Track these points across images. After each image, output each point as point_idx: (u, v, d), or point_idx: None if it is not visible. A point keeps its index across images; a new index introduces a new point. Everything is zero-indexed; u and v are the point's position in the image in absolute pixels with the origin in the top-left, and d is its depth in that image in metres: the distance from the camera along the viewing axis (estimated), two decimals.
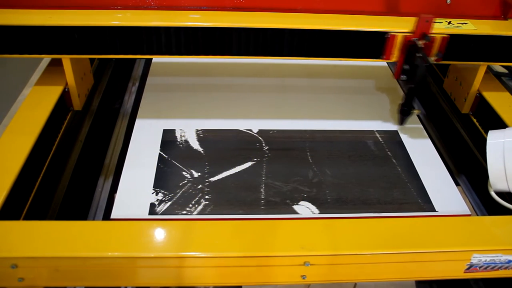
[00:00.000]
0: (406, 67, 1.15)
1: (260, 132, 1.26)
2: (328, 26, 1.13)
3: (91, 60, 1.44)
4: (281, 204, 1.05)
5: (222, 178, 1.11)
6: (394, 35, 1.13)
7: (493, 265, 0.89)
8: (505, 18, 1.23)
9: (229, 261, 0.85)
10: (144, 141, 1.20)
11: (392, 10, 1.21)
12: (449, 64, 1.44)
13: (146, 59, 1.67)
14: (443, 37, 1.14)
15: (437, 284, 1.16)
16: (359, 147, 1.23)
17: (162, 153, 1.17)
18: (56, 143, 1.17)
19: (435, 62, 1.17)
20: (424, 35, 1.10)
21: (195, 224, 0.91)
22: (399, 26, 1.14)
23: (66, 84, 1.23)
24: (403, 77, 1.17)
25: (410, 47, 1.13)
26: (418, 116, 1.37)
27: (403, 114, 1.26)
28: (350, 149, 1.22)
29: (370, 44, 1.15)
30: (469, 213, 1.05)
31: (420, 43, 1.11)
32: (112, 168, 1.23)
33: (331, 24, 1.13)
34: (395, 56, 1.17)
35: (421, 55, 1.09)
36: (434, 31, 1.13)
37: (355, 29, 1.13)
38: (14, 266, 0.81)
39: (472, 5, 1.22)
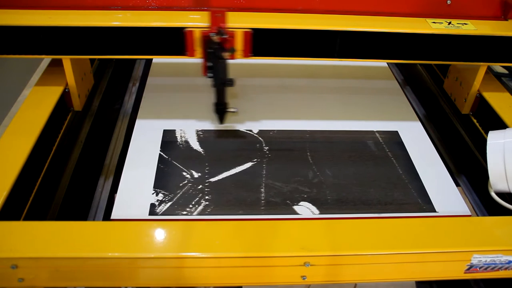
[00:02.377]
0: (210, 64, 1.11)
1: (260, 132, 1.26)
2: (329, 27, 1.12)
3: (91, 60, 1.44)
4: (281, 204, 1.04)
5: (222, 179, 1.11)
6: (191, 31, 1.09)
7: (493, 265, 0.89)
8: (505, 19, 1.23)
9: (229, 261, 0.85)
10: (144, 142, 1.20)
11: (393, 11, 1.20)
12: (450, 65, 1.44)
13: (146, 59, 1.67)
14: (245, 31, 1.10)
15: (437, 285, 1.16)
16: (359, 148, 1.23)
17: (162, 153, 1.17)
18: (56, 143, 1.17)
19: (229, 58, 1.10)
20: (219, 30, 1.05)
21: (195, 224, 0.91)
22: (198, 21, 1.09)
23: (66, 84, 1.23)
24: (209, 75, 1.12)
25: (207, 43, 1.08)
26: (418, 115, 1.37)
27: (219, 113, 1.22)
28: (350, 150, 1.22)
29: (171, 40, 1.11)
30: (469, 213, 1.05)
31: (216, 38, 1.06)
32: (112, 168, 1.23)
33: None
34: (198, 53, 1.12)
35: (213, 50, 1.05)
36: (234, 25, 1.09)
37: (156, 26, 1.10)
38: (14, 266, 0.81)
39: (472, 5, 1.22)
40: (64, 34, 1.09)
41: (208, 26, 1.08)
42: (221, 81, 1.12)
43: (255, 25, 1.10)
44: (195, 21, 1.10)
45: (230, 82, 1.13)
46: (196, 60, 1.55)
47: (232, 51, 1.09)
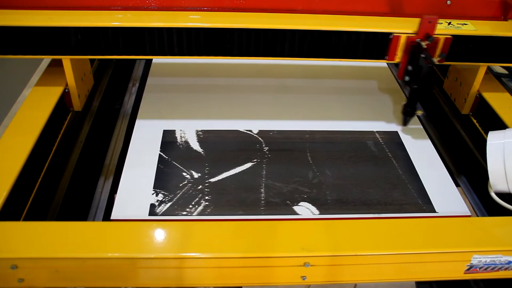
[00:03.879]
0: (410, 68, 1.15)
1: (260, 132, 1.26)
2: (331, 27, 1.13)
3: (91, 60, 1.44)
4: (281, 204, 1.04)
5: (222, 179, 1.11)
6: (397, 36, 1.13)
7: (493, 266, 0.89)
8: (505, 19, 1.23)
9: (229, 262, 0.85)
10: (144, 142, 1.20)
11: (392, 11, 1.21)
12: (449, 65, 1.44)
13: (146, 59, 1.67)
14: (446, 37, 1.14)
15: (437, 285, 1.16)
16: (359, 148, 1.23)
17: (162, 153, 1.17)
18: (56, 143, 1.17)
19: (438, 63, 1.16)
20: (428, 36, 1.10)
21: (195, 225, 0.91)
22: (403, 27, 1.14)
23: (66, 84, 1.23)
24: (407, 78, 1.17)
25: (413, 48, 1.13)
26: (418, 116, 1.37)
27: (406, 115, 1.25)
28: (350, 150, 1.22)
29: (374, 45, 1.15)
30: (469, 214, 1.05)
31: (424, 44, 1.10)
32: (112, 168, 1.23)
33: (334, 25, 1.13)
34: (398, 57, 1.16)
35: (424, 56, 1.09)
36: (437, 32, 1.12)
37: (358, 30, 1.13)
38: (14, 266, 0.81)
39: (472, 6, 1.22)
40: (64, 35, 1.09)
41: (413, 32, 1.13)
42: (421, 85, 1.14)
43: (456, 32, 1.15)
44: (399, 28, 1.14)
45: (430, 87, 1.15)
46: (196, 60, 1.56)
47: (442, 56, 1.14)
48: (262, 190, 1.08)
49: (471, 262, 0.88)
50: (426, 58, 1.08)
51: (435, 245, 0.87)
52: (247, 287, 1.03)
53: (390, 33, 1.13)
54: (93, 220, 1.09)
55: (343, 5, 1.19)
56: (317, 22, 1.15)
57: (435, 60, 1.14)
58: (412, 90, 1.18)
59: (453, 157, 1.34)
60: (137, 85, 1.56)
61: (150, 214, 1.00)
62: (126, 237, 0.85)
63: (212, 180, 1.10)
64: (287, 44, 1.14)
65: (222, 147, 1.20)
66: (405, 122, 1.27)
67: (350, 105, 1.39)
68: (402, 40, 1.14)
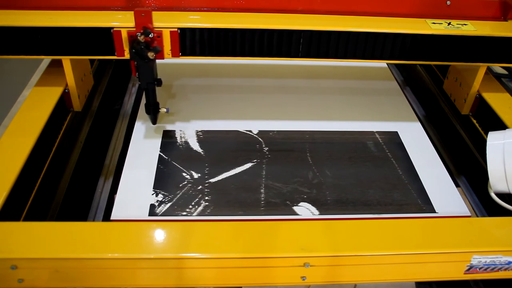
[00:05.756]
0: (136, 64, 1.09)
1: (260, 133, 1.26)
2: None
3: (91, 61, 1.44)
4: (281, 205, 1.05)
5: (222, 179, 1.11)
6: (118, 31, 1.07)
7: (493, 266, 0.89)
8: (505, 19, 1.23)
9: (229, 262, 0.85)
10: (144, 142, 1.20)
11: (392, 11, 1.21)
12: (449, 65, 1.44)
13: None
14: (172, 31, 1.09)
15: (437, 285, 1.16)
16: (359, 148, 1.23)
17: (162, 154, 1.17)
18: (56, 144, 1.17)
19: (152, 58, 1.08)
20: (145, 30, 1.04)
21: (195, 225, 0.91)
22: (126, 21, 1.08)
23: (66, 85, 1.23)
24: (136, 75, 1.12)
25: (132, 43, 1.07)
26: (417, 116, 1.37)
27: (152, 114, 1.21)
28: (350, 150, 1.22)
29: (100, 42, 1.11)
30: (469, 214, 1.05)
31: (142, 38, 1.04)
32: (112, 169, 1.23)
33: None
34: (127, 53, 1.10)
35: (135, 50, 1.04)
36: (161, 24, 1.07)
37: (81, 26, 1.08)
38: (14, 267, 0.81)
39: (472, 6, 1.22)
40: (64, 35, 1.09)
41: (132, 26, 1.06)
42: (147, 81, 1.11)
43: (181, 24, 1.09)
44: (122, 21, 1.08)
45: (158, 83, 1.12)
46: (196, 61, 1.56)
47: (156, 51, 1.07)
48: (262, 190, 1.08)
49: (471, 262, 0.88)
50: (139, 53, 1.04)
51: (435, 245, 0.87)
52: (247, 287, 1.02)
53: (112, 28, 1.07)
54: (93, 220, 1.09)
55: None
56: (316, 22, 1.15)
57: (149, 54, 1.06)
58: (142, 86, 1.14)
59: (453, 157, 1.34)
60: (137, 85, 1.56)
61: (150, 215, 1.00)
62: (126, 237, 0.85)
63: (212, 180, 1.10)
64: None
65: (222, 147, 1.20)
66: (154, 121, 1.24)
67: (350, 105, 1.39)
68: (124, 34, 1.07)
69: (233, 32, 1.12)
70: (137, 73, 1.11)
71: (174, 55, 1.13)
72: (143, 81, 1.12)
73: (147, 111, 1.21)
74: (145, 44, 1.06)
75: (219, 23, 1.11)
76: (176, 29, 1.09)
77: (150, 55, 1.06)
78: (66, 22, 1.08)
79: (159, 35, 1.08)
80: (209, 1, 1.16)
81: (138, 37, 1.04)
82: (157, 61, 1.56)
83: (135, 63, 1.09)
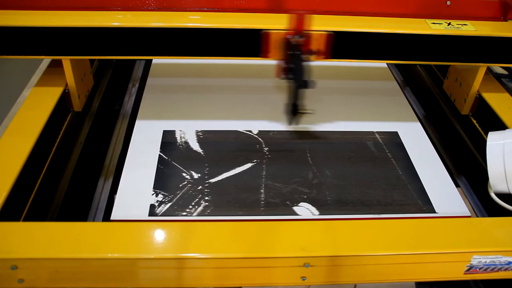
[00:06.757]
0: (287, 66, 1.12)
1: (260, 133, 1.26)
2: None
3: (91, 61, 1.44)
4: (281, 205, 1.04)
5: (222, 180, 1.11)
6: (268, 33, 1.10)
7: (493, 266, 0.89)
8: (505, 19, 1.23)
9: (229, 262, 0.85)
10: (144, 142, 1.20)
11: (392, 11, 1.21)
12: (449, 65, 1.44)
13: (146, 60, 1.67)
14: (323, 34, 1.11)
15: (437, 286, 1.15)
16: (359, 148, 1.23)
17: (162, 154, 1.17)
18: (56, 144, 1.17)
19: (313, 60, 1.11)
20: (299, 32, 1.06)
21: (195, 225, 0.91)
22: (275, 24, 1.10)
23: (66, 85, 1.23)
24: (284, 76, 1.13)
25: (286, 45, 1.09)
26: (417, 116, 1.37)
27: (292, 114, 1.22)
28: (350, 150, 1.22)
29: (247, 42, 1.13)
30: (469, 214, 1.05)
31: (295, 40, 1.07)
32: (112, 169, 1.23)
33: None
34: (273, 55, 1.13)
35: (296, 52, 1.06)
36: (319, 28, 1.10)
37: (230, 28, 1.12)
38: (14, 267, 0.81)
39: (471, 6, 1.22)
40: (64, 35, 1.09)
41: (286, 29, 1.08)
42: (301, 83, 1.12)
43: (335, 28, 1.12)
44: (271, 25, 1.11)
45: (311, 84, 1.13)
46: (196, 61, 1.55)
47: (316, 53, 1.10)
48: (262, 190, 1.08)
49: (471, 262, 0.88)
50: (299, 55, 1.06)
51: (435, 245, 0.87)
52: (247, 287, 1.02)
53: (261, 30, 1.10)
54: (93, 220, 1.09)
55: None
56: (316, 22, 1.14)
57: (310, 57, 1.10)
58: (293, 88, 1.16)
59: (453, 158, 1.34)
60: (137, 85, 1.56)
61: (150, 215, 1.00)
62: (126, 237, 0.85)
63: (212, 180, 1.10)
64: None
65: (222, 147, 1.20)
66: (290, 121, 1.24)
67: (350, 106, 1.39)
68: (274, 36, 1.10)
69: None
70: (287, 75, 1.12)
71: (326, 57, 1.15)
72: (297, 82, 1.12)
73: (289, 112, 1.21)
74: (299, 46, 1.07)
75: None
76: (331, 32, 1.11)
77: (307, 57, 1.08)
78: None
79: (311, 38, 1.09)
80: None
81: (293, 39, 1.06)
82: (157, 61, 1.58)
83: (288, 65, 1.11)
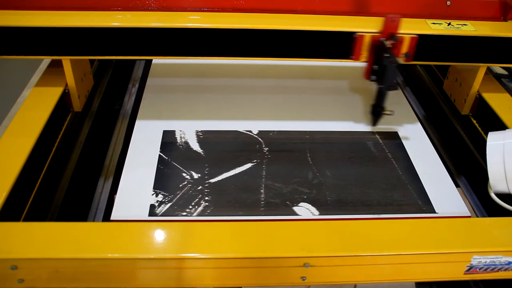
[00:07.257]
0: (376, 67, 1.14)
1: (260, 133, 1.26)
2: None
3: (91, 61, 1.44)
4: (281, 205, 1.05)
5: (222, 180, 1.11)
6: (361, 35, 1.12)
7: (493, 266, 0.89)
8: (505, 20, 1.23)
9: (228, 262, 0.85)
10: (144, 142, 1.20)
11: (392, 11, 1.20)
12: (449, 66, 1.44)
13: (146, 60, 1.67)
14: (412, 37, 1.13)
15: (437, 286, 1.15)
16: (359, 148, 1.23)
17: (162, 154, 1.17)
18: (56, 144, 1.17)
19: (403, 63, 1.15)
20: (392, 35, 1.09)
21: (195, 225, 0.91)
22: (367, 26, 1.12)
23: (66, 85, 1.23)
24: (373, 78, 1.16)
25: (377, 47, 1.12)
26: (417, 116, 1.37)
27: (375, 115, 1.25)
28: (350, 150, 1.22)
29: (338, 45, 1.14)
30: (469, 214, 1.05)
31: (388, 43, 1.09)
32: (112, 169, 1.23)
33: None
34: (364, 57, 1.15)
35: (388, 55, 1.07)
36: (403, 31, 1.11)
37: (323, 30, 1.13)
38: (14, 267, 0.81)
39: (471, 6, 1.22)
40: (64, 35, 1.09)
41: (378, 32, 1.11)
42: (389, 84, 1.13)
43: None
44: (363, 27, 1.13)
45: (397, 86, 1.15)
46: (196, 61, 1.55)
47: (407, 56, 1.13)
48: (262, 190, 1.08)
49: (471, 262, 0.88)
50: (390, 58, 1.07)
51: (435, 245, 0.87)
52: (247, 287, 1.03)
53: (354, 33, 1.12)
54: (93, 220, 1.09)
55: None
56: (316, 22, 1.15)
57: (400, 59, 1.13)
58: (379, 90, 1.18)
59: (453, 158, 1.34)
60: (137, 85, 1.56)
61: (150, 215, 1.00)
62: (126, 237, 0.85)
63: (212, 180, 1.10)
64: (285, 45, 1.14)
65: (222, 147, 1.20)
66: (374, 122, 1.27)
67: (349, 106, 1.39)
68: (366, 39, 1.12)
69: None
70: (373, 77, 1.15)
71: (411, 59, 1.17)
72: (386, 83, 1.13)
73: (373, 112, 1.25)
74: (391, 49, 1.09)
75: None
76: (416, 35, 1.13)
77: (401, 60, 1.11)
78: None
79: (402, 41, 1.12)
80: None
81: (386, 42, 1.09)
82: (157, 61, 1.58)
83: (377, 66, 1.13)
